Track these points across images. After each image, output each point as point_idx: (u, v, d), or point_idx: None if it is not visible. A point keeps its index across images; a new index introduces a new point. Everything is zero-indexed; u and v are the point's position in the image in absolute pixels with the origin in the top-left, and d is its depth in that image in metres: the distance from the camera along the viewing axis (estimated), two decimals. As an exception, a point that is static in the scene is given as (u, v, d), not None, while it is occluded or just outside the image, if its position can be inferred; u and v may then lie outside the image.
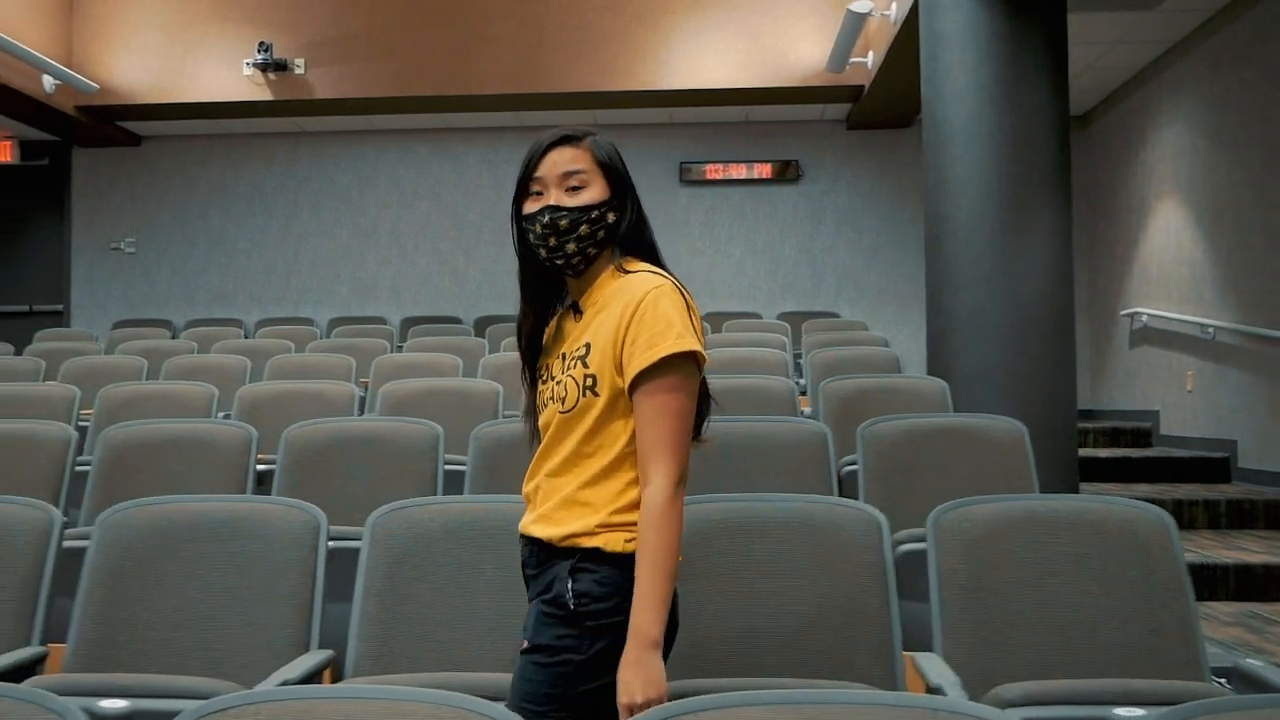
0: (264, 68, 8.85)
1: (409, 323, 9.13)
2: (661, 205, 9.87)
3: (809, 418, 4.67)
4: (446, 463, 3.95)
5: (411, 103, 9.07)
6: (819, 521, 2.69)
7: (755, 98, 9.05)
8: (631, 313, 1.83)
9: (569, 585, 1.82)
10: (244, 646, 2.66)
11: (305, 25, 8.99)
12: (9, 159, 9.97)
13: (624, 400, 1.85)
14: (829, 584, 2.61)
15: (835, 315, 9.35)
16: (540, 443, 1.97)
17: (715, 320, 8.53)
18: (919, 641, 2.73)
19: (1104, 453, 7.38)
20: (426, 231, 9.96)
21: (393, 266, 9.79)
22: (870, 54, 8.34)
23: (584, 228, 1.88)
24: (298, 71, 8.94)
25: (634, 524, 1.83)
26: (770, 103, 9.16)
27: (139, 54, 9.09)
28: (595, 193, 1.90)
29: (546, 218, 1.87)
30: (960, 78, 5.85)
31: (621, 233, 1.93)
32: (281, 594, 2.69)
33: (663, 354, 1.80)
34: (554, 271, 1.95)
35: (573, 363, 1.89)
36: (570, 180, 1.89)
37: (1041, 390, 5.69)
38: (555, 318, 2.02)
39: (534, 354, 2.00)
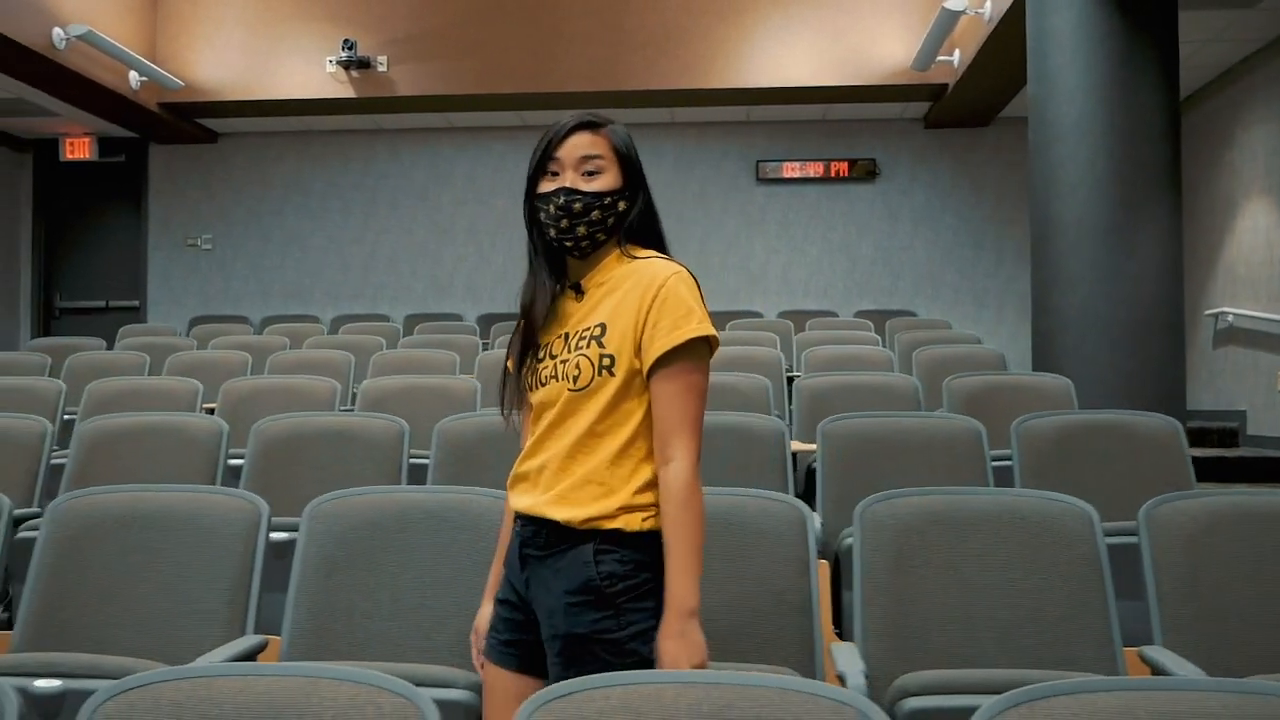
0: (347, 65, 8.90)
1: (486, 320, 9.16)
2: (738, 204, 9.87)
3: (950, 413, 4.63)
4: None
5: (492, 100, 9.09)
6: (1027, 514, 2.71)
7: (835, 96, 9.03)
8: (654, 296, 1.89)
9: (596, 568, 1.86)
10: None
11: (388, 23, 9.03)
12: (87, 155, 10.05)
13: (638, 381, 1.91)
14: (1043, 577, 2.63)
15: (913, 314, 9.31)
16: (521, 420, 2.04)
17: (797, 319, 8.51)
18: (1140, 635, 2.72)
19: (1196, 452, 7.32)
20: (503, 229, 9.98)
21: (469, 264, 9.83)
22: (957, 52, 8.31)
23: (596, 213, 1.93)
24: (380, 69, 8.98)
25: (649, 504, 1.90)
26: (850, 101, 9.14)
27: (222, 51, 9.15)
28: (610, 180, 1.94)
29: (561, 199, 1.92)
30: (1071, 77, 5.84)
31: (630, 221, 1.98)
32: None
33: (687, 336, 1.87)
34: (557, 251, 1.99)
35: (585, 342, 1.92)
36: (587, 165, 1.94)
37: (1151, 390, 5.67)
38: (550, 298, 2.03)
39: (532, 333, 2.01)
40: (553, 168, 1.95)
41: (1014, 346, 8.94)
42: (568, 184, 1.92)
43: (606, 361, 1.90)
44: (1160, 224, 5.69)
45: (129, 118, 9.43)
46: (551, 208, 1.92)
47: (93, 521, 2.86)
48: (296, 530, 2.82)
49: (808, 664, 2.57)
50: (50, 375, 6.36)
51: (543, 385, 1.97)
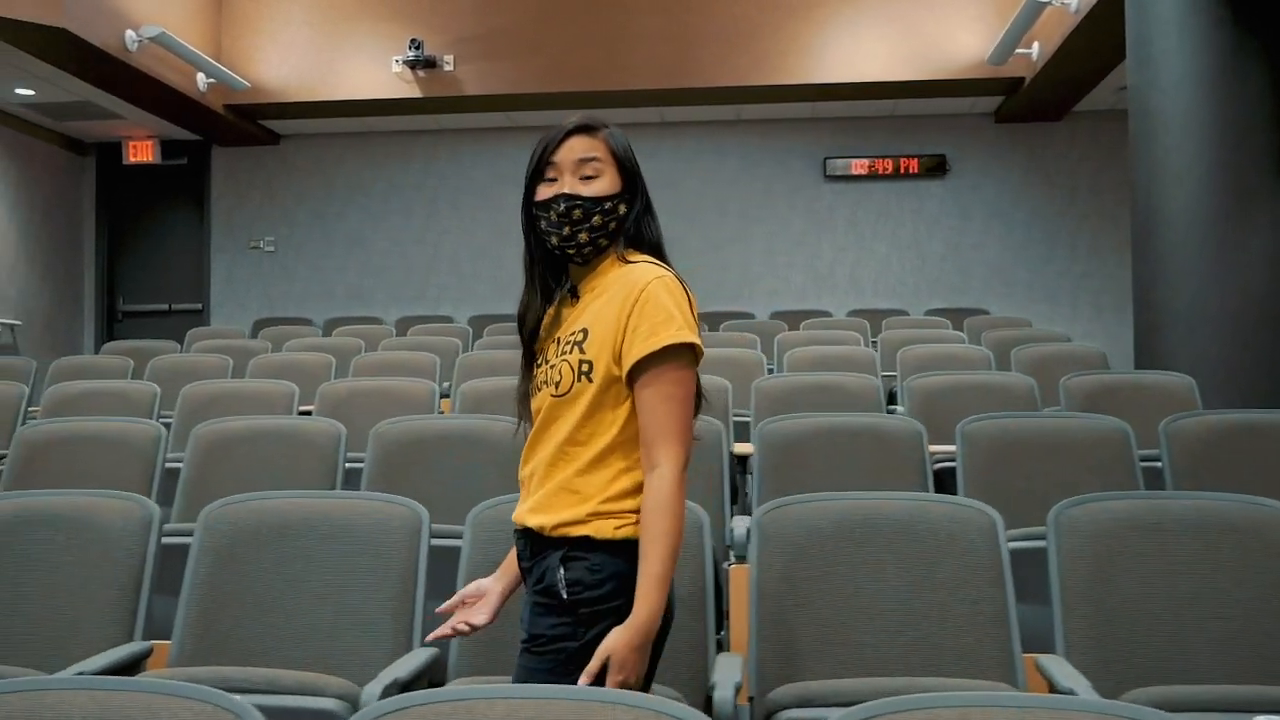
0: (414, 65, 8.83)
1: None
2: (804, 201, 9.75)
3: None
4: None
5: (558, 99, 8.99)
6: (1235, 520, 2.59)
7: (906, 91, 8.89)
8: (634, 301, 1.85)
9: (560, 574, 1.84)
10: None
11: (453, 22, 8.96)
12: (150, 159, 10.02)
13: (617, 388, 1.87)
14: (1257, 587, 2.52)
15: (985, 312, 9.15)
16: (530, 427, 2.00)
17: (872, 318, 8.37)
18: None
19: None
20: (565, 229, 9.89)
21: (532, 264, 9.72)
22: (1036, 45, 8.16)
23: (597, 218, 1.90)
24: (447, 68, 8.91)
25: (624, 511, 1.85)
26: (920, 96, 8.99)
27: (286, 52, 9.10)
28: (608, 183, 1.92)
29: (561, 206, 1.89)
30: (1176, 66, 5.68)
31: (629, 224, 1.95)
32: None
33: (664, 343, 1.82)
34: (561, 258, 1.96)
35: (569, 347, 1.90)
36: (585, 168, 1.91)
37: (1262, 384, 5.53)
38: (555, 303, 2.02)
39: (534, 339, 2.00)
40: (550, 173, 1.93)
41: (1090, 343, 8.76)
42: (566, 189, 1.89)
43: (585, 367, 1.88)
44: (1272, 214, 5.53)
45: (193, 120, 9.39)
46: (552, 215, 1.90)
47: (248, 529, 2.79)
48: (458, 538, 2.77)
49: (1009, 676, 2.47)
50: (133, 378, 6.32)
51: (538, 391, 1.96)
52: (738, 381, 5.16)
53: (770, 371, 6.02)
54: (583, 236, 1.90)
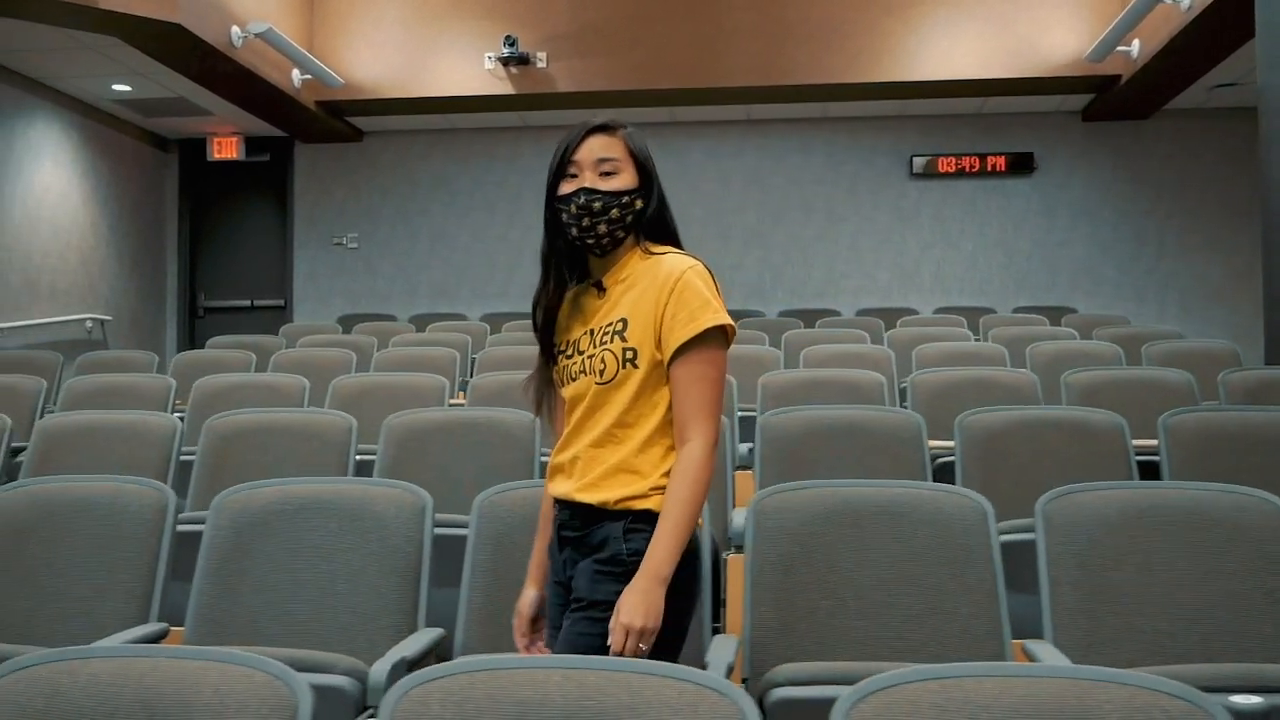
0: (507, 61, 8.85)
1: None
2: (890, 199, 9.75)
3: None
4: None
5: (651, 96, 9.01)
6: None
7: (998, 88, 8.88)
8: (670, 289, 1.98)
9: (624, 544, 1.96)
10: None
11: (546, 19, 8.97)
12: (235, 155, 10.05)
13: (659, 372, 2.00)
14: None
15: (1074, 310, 9.15)
16: (553, 415, 2.15)
17: (970, 315, 8.37)
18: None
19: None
20: (650, 226, 9.90)
21: (616, 261, 9.73)
22: (1136, 43, 8.15)
23: (615, 211, 2.02)
24: (540, 65, 8.93)
25: None
26: (1012, 94, 8.98)
27: (379, 49, 9.13)
28: (626, 179, 2.04)
29: (582, 199, 2.00)
30: (1312, 64, 5.68)
31: (646, 218, 2.06)
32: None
33: (704, 326, 1.95)
34: (580, 251, 2.08)
35: (608, 336, 2.02)
36: (604, 166, 2.03)
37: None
38: (569, 296, 2.12)
39: (549, 330, 2.11)
40: (571, 170, 2.04)
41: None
42: (586, 184, 2.01)
43: (630, 355, 2.00)
44: None
45: (281, 116, 9.42)
46: (573, 207, 2.01)
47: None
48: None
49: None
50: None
51: (573, 380, 2.06)
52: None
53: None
54: (601, 228, 2.02)
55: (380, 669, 2.31)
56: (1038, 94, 9.01)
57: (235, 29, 7.78)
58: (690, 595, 2.01)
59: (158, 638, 2.70)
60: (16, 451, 4.47)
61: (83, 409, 4.78)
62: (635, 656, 1.82)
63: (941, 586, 2.60)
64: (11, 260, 8.15)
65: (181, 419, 4.62)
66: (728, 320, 1.99)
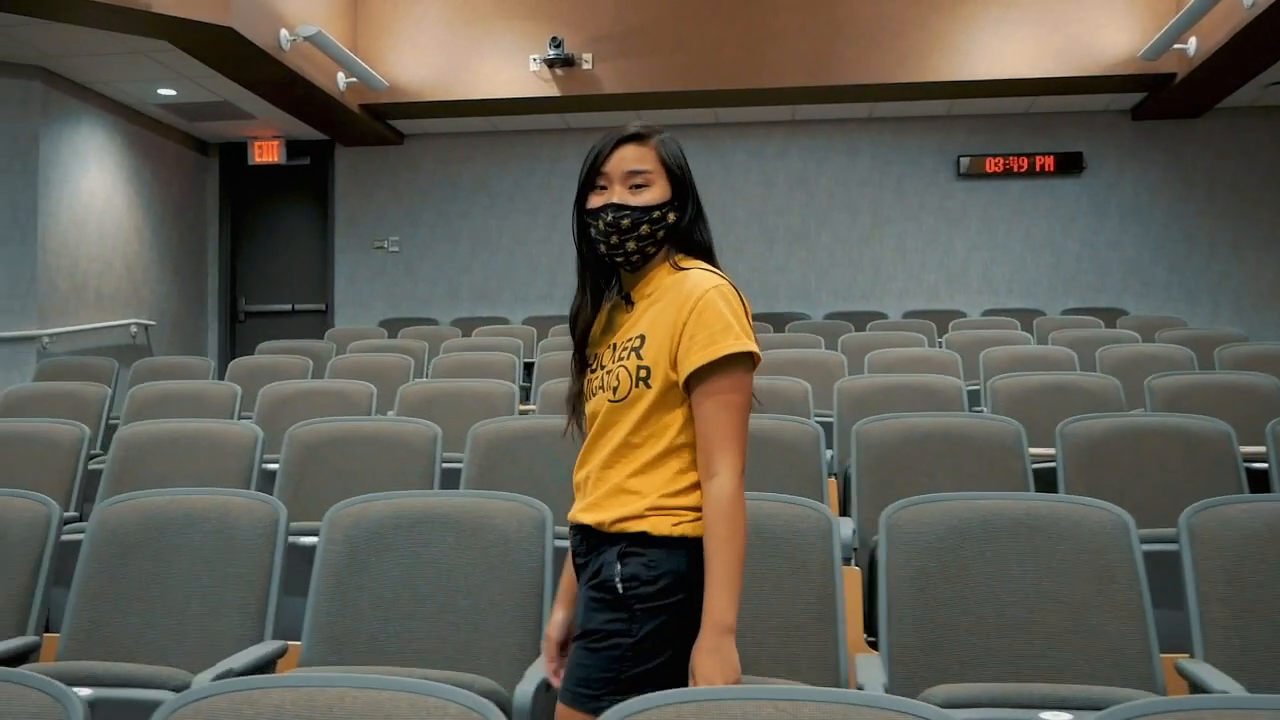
0: (552, 63, 8.78)
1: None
2: (937, 199, 9.65)
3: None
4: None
5: (696, 96, 8.94)
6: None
7: (1049, 88, 8.76)
8: (690, 309, 1.86)
9: (617, 569, 1.85)
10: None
11: (591, 20, 8.90)
12: (276, 159, 10.01)
13: (675, 393, 1.89)
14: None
15: (1124, 311, 9.04)
16: (584, 431, 2.02)
17: (1022, 318, 8.28)
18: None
19: None
20: (693, 228, 9.82)
21: (660, 263, 9.65)
22: (1193, 40, 8.04)
23: (645, 227, 1.91)
24: (585, 66, 8.86)
25: (682, 508, 1.87)
26: (1063, 93, 8.87)
27: (423, 51, 9.07)
28: (657, 193, 1.93)
29: (610, 216, 1.91)
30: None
31: (680, 231, 1.96)
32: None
33: (724, 352, 1.84)
34: (611, 265, 1.99)
35: (626, 353, 1.92)
36: (635, 179, 1.92)
37: None
38: (605, 307, 2.04)
39: (585, 343, 2.03)
40: (600, 182, 1.94)
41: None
42: (615, 199, 1.91)
43: (643, 373, 1.90)
44: None
45: (324, 119, 9.37)
46: (601, 224, 1.92)
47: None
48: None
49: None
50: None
51: (593, 396, 1.98)
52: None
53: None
54: (630, 245, 1.92)
55: (525, 690, 2.25)
56: (1089, 93, 8.90)
57: (284, 32, 7.73)
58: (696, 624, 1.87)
59: (278, 656, 2.65)
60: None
61: (153, 417, 4.74)
62: None
63: (1086, 602, 2.53)
64: (60, 266, 8.12)
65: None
66: (753, 347, 1.87)
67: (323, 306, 10.33)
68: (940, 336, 7.71)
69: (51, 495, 3.30)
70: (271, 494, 3.94)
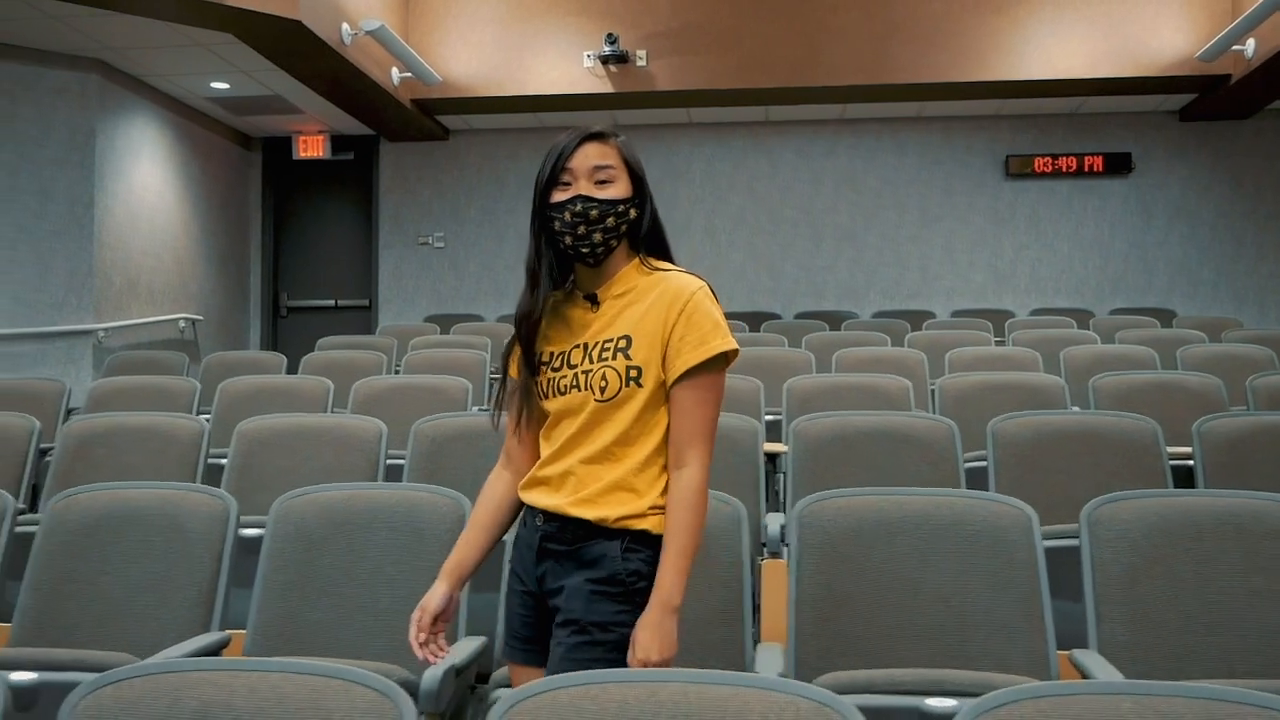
0: (606, 60, 8.77)
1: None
2: (985, 199, 9.66)
3: None
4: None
5: (750, 94, 8.93)
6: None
7: (1104, 88, 8.78)
8: (680, 311, 1.94)
9: (622, 564, 1.93)
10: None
11: (646, 17, 8.88)
12: (320, 154, 9.98)
13: (661, 392, 1.97)
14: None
15: (1172, 312, 9.07)
16: (525, 424, 2.08)
17: (1078, 317, 8.30)
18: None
19: None
20: (741, 227, 9.84)
21: (706, 262, 9.66)
22: (1251, 41, 8.06)
23: (610, 219, 1.97)
24: (639, 63, 8.84)
25: None
26: (1118, 93, 8.90)
27: (476, 47, 9.04)
28: (621, 188, 1.99)
29: (578, 206, 1.96)
30: None
31: (643, 230, 2.02)
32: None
33: (714, 351, 1.93)
34: (568, 260, 2.03)
35: (609, 353, 1.97)
36: (599, 174, 1.98)
37: None
38: (549, 303, 2.05)
39: (532, 340, 2.04)
40: (564, 178, 1.99)
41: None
42: (582, 191, 1.96)
43: (634, 373, 1.96)
44: None
45: (372, 114, 9.34)
46: (567, 215, 1.96)
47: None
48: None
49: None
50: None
51: (562, 394, 2.00)
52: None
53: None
54: (597, 236, 1.97)
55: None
56: (1142, 94, 8.92)
57: (345, 26, 7.70)
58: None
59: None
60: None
61: (258, 414, 4.70)
62: None
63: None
64: (114, 260, 8.07)
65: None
66: (735, 345, 1.97)
67: (366, 302, 10.30)
68: (998, 336, 7.71)
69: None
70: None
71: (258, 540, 2.97)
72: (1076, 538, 2.70)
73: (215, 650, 2.67)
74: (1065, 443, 3.80)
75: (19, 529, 3.11)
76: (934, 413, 4.86)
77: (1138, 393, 4.90)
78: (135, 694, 1.58)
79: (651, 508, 1.95)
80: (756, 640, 2.79)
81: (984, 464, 3.85)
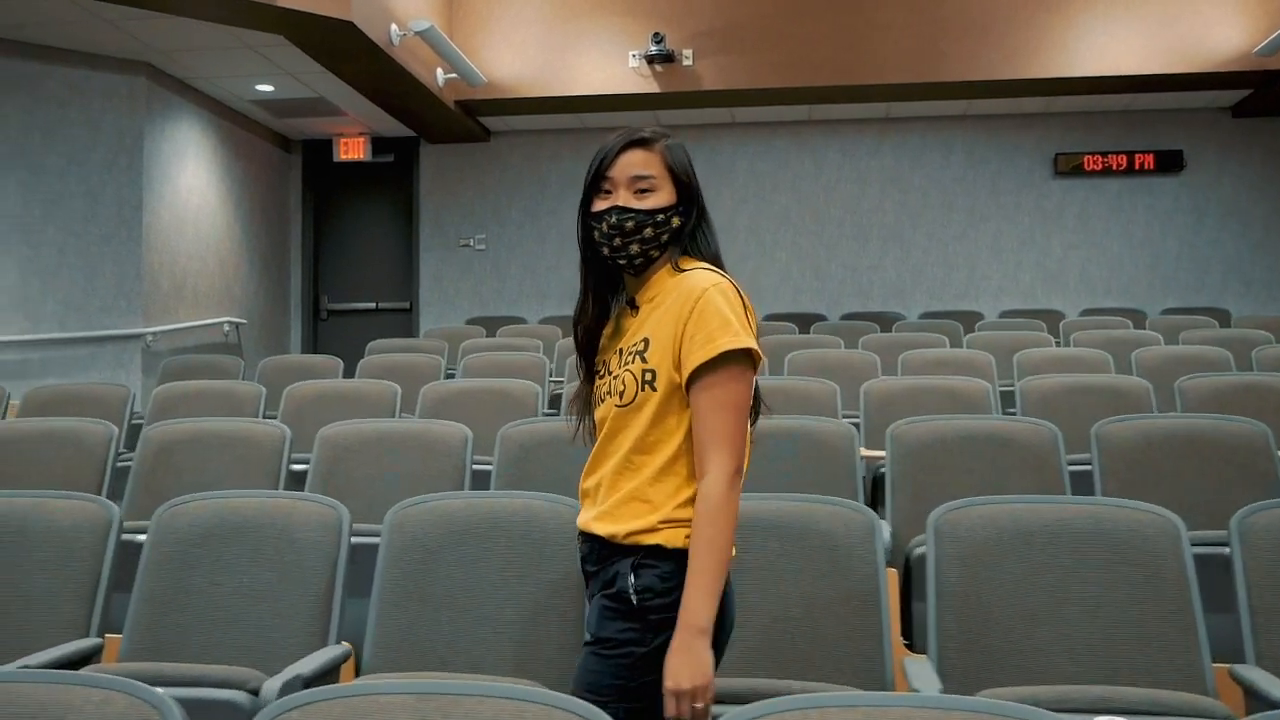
0: (652, 60, 8.69)
1: (769, 319, 8.90)
2: (1033, 198, 9.56)
3: None
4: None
5: (795, 94, 8.85)
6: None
7: (1156, 84, 8.67)
8: (690, 309, 1.86)
9: (631, 580, 1.86)
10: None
11: (691, 17, 8.81)
12: (361, 156, 9.92)
13: (680, 395, 1.88)
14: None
15: (1226, 311, 8.95)
16: (594, 437, 2.01)
17: (1134, 318, 8.18)
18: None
19: None
20: (785, 227, 9.75)
21: (751, 263, 9.57)
22: (1310, 36, 7.95)
23: (648, 230, 1.91)
24: (685, 63, 8.77)
25: (691, 520, 1.86)
26: (1170, 89, 8.78)
27: (519, 48, 8.98)
28: (663, 197, 1.93)
29: (614, 218, 1.91)
30: None
31: (685, 236, 1.96)
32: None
33: (721, 349, 1.83)
34: (614, 268, 1.98)
35: (631, 357, 1.92)
36: (640, 184, 1.92)
37: None
38: (614, 314, 2.03)
39: (592, 349, 2.02)
40: (605, 186, 1.94)
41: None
42: (620, 202, 1.91)
43: (648, 377, 1.90)
44: None
45: (413, 116, 9.29)
46: (604, 226, 1.92)
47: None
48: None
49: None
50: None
51: (601, 402, 1.98)
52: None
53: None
54: (634, 248, 1.92)
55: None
56: (1194, 90, 8.81)
57: (394, 27, 7.64)
58: (716, 642, 1.86)
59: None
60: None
61: (325, 418, 4.64)
62: (697, 718, 1.76)
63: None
64: (161, 263, 8.03)
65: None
66: (750, 344, 1.85)
67: (407, 305, 10.24)
68: (1054, 337, 7.59)
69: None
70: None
71: (356, 548, 2.92)
72: (1215, 545, 2.61)
73: (338, 665, 2.63)
74: (1172, 446, 3.70)
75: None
76: (1019, 415, 4.77)
77: (1226, 395, 4.79)
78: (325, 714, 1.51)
79: (664, 521, 1.87)
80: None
81: (1087, 468, 3.76)
